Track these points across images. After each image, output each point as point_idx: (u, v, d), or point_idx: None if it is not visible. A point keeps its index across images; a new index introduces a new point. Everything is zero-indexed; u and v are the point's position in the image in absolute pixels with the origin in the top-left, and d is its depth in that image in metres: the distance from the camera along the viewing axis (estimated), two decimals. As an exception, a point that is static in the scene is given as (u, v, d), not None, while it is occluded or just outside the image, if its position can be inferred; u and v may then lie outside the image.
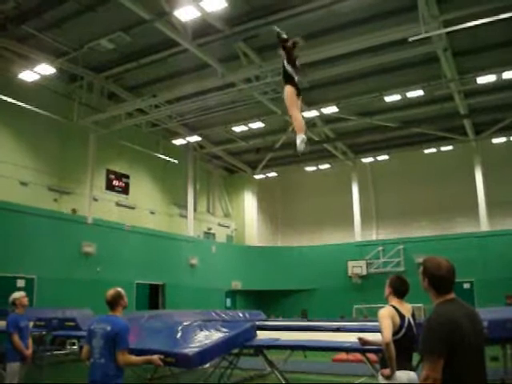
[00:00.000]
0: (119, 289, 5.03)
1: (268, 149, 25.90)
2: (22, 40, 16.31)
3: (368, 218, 27.70)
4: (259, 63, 16.64)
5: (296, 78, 6.81)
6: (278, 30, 6.93)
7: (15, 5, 14.10)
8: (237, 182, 30.02)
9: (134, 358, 4.87)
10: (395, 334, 4.39)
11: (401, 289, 4.74)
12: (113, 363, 4.64)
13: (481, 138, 23.77)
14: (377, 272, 25.23)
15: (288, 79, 6.89)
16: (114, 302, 4.93)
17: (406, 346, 4.42)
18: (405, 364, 4.38)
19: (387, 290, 4.79)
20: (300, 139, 6.59)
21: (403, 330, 4.43)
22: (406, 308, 4.63)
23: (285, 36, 6.85)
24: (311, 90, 18.91)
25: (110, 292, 4.97)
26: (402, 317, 4.48)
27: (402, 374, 4.32)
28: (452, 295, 3.13)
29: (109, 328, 4.73)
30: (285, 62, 6.88)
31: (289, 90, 6.84)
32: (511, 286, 19.90)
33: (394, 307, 4.56)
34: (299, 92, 6.97)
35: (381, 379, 4.42)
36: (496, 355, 8.97)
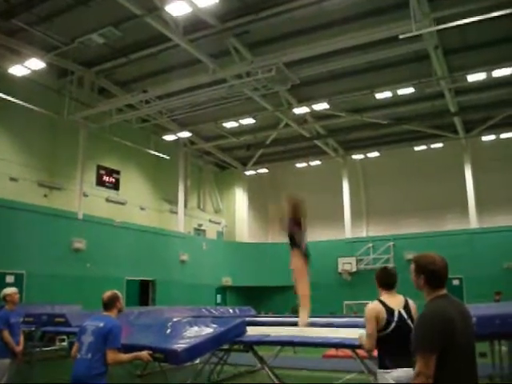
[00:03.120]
0: (116, 291, 5.04)
1: (259, 145, 25.90)
2: (12, 34, 16.15)
3: (358, 214, 27.80)
4: (250, 59, 16.61)
5: (303, 243, 6.70)
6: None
7: (5, -2, 14.00)
8: (227, 179, 29.99)
9: (123, 357, 4.83)
10: (383, 329, 4.26)
11: (387, 281, 4.62)
12: (99, 361, 4.60)
13: (471, 135, 23.90)
14: (367, 268, 25.32)
15: (295, 245, 6.78)
16: (109, 304, 4.94)
17: (400, 340, 4.14)
18: (401, 360, 4.06)
19: (376, 283, 4.70)
20: (303, 323, 6.44)
21: (392, 325, 4.25)
22: (397, 300, 4.46)
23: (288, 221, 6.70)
24: (302, 86, 18.90)
25: (107, 293, 4.98)
26: (389, 311, 4.31)
27: (401, 373, 4.07)
28: (444, 291, 3.16)
29: (101, 325, 4.72)
30: (292, 229, 6.73)
31: (299, 261, 6.63)
32: (500, 282, 20.07)
33: (380, 301, 4.43)
34: (306, 258, 6.84)
35: (380, 378, 4.33)
36: (484, 351, 9.04)
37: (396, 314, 4.32)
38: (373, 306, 4.43)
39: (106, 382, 4.69)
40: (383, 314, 4.31)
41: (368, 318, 4.38)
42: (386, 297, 4.52)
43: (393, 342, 4.24)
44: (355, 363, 8.54)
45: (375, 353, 4.40)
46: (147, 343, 6.01)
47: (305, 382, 10.42)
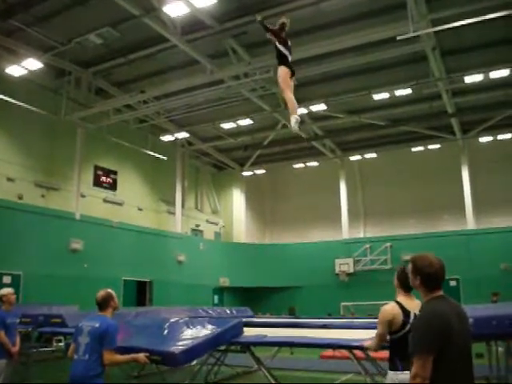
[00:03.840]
0: (110, 290, 5.02)
1: (256, 146, 25.91)
2: (9, 34, 16.13)
3: (355, 215, 27.83)
4: (248, 60, 16.62)
5: (290, 58, 6.84)
6: (259, 19, 6.97)
7: (2, -2, 13.99)
8: (225, 179, 29.99)
9: (119, 358, 4.83)
10: (398, 331, 4.21)
11: (406, 282, 4.58)
12: (96, 361, 4.59)
13: (468, 136, 23.95)
14: (364, 270, 25.38)
15: (282, 60, 6.92)
16: (103, 303, 4.91)
17: None
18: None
19: (395, 282, 4.59)
20: (294, 119, 6.61)
21: (408, 326, 4.18)
22: (414, 303, 4.36)
23: (269, 25, 6.92)
24: (300, 87, 18.74)
25: (101, 293, 4.95)
26: (406, 312, 4.26)
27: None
28: (441, 292, 3.16)
29: (97, 325, 4.70)
30: (276, 43, 6.90)
31: (283, 71, 6.85)
32: (497, 283, 20.09)
33: (398, 303, 4.36)
34: (293, 73, 7.01)
35: (389, 380, 4.29)
36: (481, 352, 9.06)
37: (412, 316, 4.27)
38: (389, 309, 4.36)
39: (104, 383, 4.68)
40: (399, 316, 4.24)
41: (381, 320, 4.35)
42: (403, 298, 4.43)
43: (406, 345, 4.21)
44: (352, 364, 8.54)
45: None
46: (144, 345, 5.99)
47: (302, 383, 10.42)
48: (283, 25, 7.16)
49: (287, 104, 7.09)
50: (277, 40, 6.97)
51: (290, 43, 7.11)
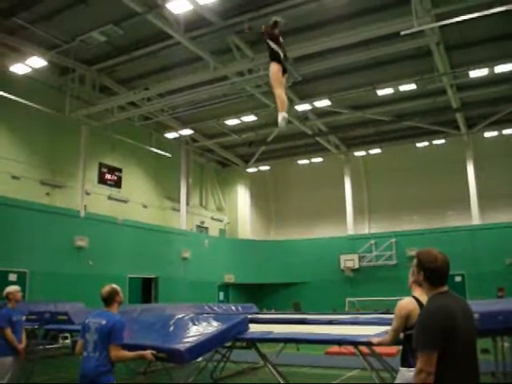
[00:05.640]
0: (114, 285, 5.02)
1: (260, 142, 25.88)
2: (13, 32, 16.15)
3: (360, 211, 27.80)
4: (252, 56, 16.58)
5: (281, 55, 6.84)
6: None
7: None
8: (229, 176, 30.01)
9: (126, 353, 4.85)
10: (413, 327, 4.15)
11: None
12: (106, 358, 4.62)
13: (473, 131, 23.87)
14: (369, 265, 25.38)
15: (274, 57, 6.92)
16: (109, 299, 4.92)
17: None
18: None
19: (410, 279, 4.47)
20: (281, 117, 6.61)
21: None
22: None
23: (263, 26, 6.98)
24: (304, 83, 18.90)
25: (106, 288, 4.95)
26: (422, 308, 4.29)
27: None
28: (446, 288, 3.14)
29: (104, 322, 4.72)
30: (268, 40, 6.91)
31: (274, 68, 6.85)
32: (502, 278, 20.08)
33: (415, 298, 4.28)
34: (285, 70, 7.01)
35: (400, 376, 4.25)
36: (487, 348, 9.03)
37: None
38: (406, 304, 4.31)
39: (114, 379, 4.70)
40: (416, 312, 4.19)
41: (397, 315, 4.31)
42: (419, 293, 4.38)
43: None
44: (358, 360, 8.53)
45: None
46: (150, 343, 5.99)
47: (307, 379, 10.43)
48: (276, 23, 7.17)
49: (276, 100, 7.11)
50: (268, 37, 6.98)
51: (281, 40, 7.11)
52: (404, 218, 26.68)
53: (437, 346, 2.85)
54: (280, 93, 6.82)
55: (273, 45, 6.92)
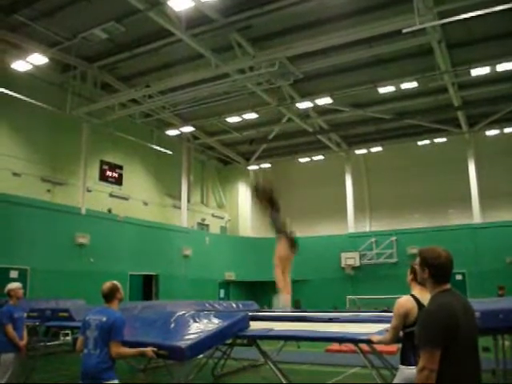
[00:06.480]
0: (115, 282, 5.03)
1: (262, 140, 25.88)
2: (14, 29, 16.16)
3: (361, 209, 27.78)
4: (253, 54, 16.57)
5: (288, 231, 6.61)
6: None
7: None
8: (231, 173, 30.01)
9: (126, 350, 4.87)
10: (412, 325, 4.14)
11: None
12: (106, 355, 4.63)
13: (474, 130, 23.84)
14: (370, 263, 25.36)
15: (279, 230, 6.69)
16: (109, 295, 4.93)
17: None
18: None
19: (409, 277, 4.57)
20: (282, 300, 6.39)
21: None
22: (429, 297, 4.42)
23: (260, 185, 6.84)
24: (305, 81, 18.89)
25: (106, 285, 4.97)
26: (421, 306, 4.21)
27: None
28: (448, 285, 3.15)
29: (104, 319, 4.73)
30: (271, 211, 6.71)
31: (281, 247, 6.55)
32: (503, 277, 20.05)
33: (413, 297, 4.35)
34: (293, 243, 6.73)
35: (400, 374, 4.26)
36: (488, 346, 9.04)
37: None
38: (404, 303, 4.34)
39: (115, 375, 4.71)
40: (414, 310, 4.22)
41: (396, 314, 4.34)
42: (418, 292, 4.40)
43: None
44: (358, 358, 8.54)
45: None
46: (151, 340, 6.00)
47: (308, 376, 10.45)
48: (271, 188, 6.94)
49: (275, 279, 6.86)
50: (270, 206, 6.78)
51: (279, 205, 6.87)
52: (405, 216, 26.65)
53: (439, 343, 2.86)
54: (278, 273, 6.63)
55: (276, 222, 6.67)
